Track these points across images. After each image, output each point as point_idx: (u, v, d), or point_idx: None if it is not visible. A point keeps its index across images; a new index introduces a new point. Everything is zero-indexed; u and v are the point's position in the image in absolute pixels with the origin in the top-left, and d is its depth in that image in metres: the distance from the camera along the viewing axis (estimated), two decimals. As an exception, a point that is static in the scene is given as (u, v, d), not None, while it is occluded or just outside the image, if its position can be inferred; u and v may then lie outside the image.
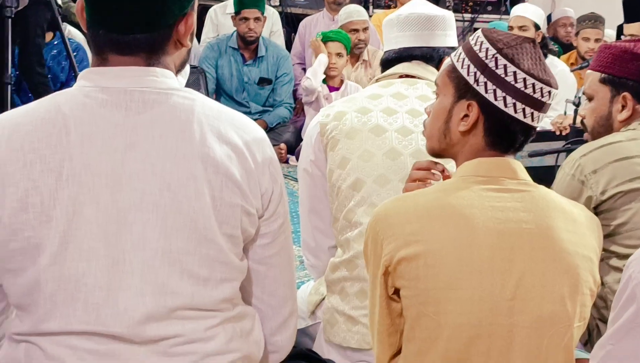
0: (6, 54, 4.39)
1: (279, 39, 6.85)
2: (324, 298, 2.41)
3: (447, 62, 1.76)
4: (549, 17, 7.01)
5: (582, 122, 2.61)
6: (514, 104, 1.65)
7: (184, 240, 1.51)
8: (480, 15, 7.72)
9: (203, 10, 6.90)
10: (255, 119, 5.28)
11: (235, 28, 6.21)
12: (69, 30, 5.72)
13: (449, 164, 2.11)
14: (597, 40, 5.83)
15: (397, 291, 1.66)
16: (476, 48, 1.68)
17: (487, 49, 1.67)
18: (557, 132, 4.30)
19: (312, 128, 2.40)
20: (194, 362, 1.56)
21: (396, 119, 2.30)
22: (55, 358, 1.50)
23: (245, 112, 1.62)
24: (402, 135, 2.27)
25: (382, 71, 2.48)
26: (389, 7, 7.43)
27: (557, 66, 5.45)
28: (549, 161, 3.94)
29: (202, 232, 1.52)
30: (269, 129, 6.02)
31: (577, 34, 6.10)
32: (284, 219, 1.69)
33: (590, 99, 2.50)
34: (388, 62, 2.45)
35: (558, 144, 4.00)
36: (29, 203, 1.47)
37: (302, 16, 7.32)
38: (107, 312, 1.49)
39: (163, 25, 1.54)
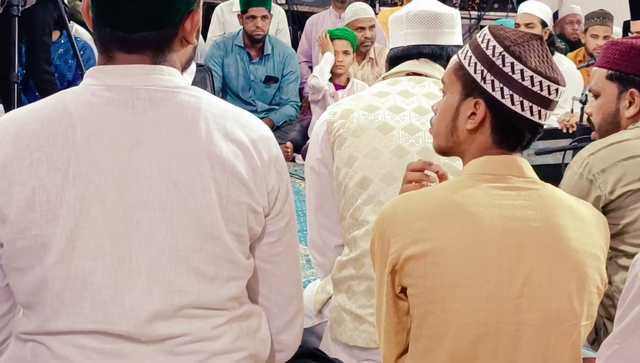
0: (13, 53, 4.40)
1: (285, 37, 6.85)
2: (330, 297, 2.40)
3: (454, 59, 1.75)
4: (555, 14, 6.99)
5: (588, 119, 2.60)
6: (521, 102, 1.65)
7: (191, 237, 1.51)
8: (487, 13, 7.72)
9: (209, 9, 6.91)
10: (261, 118, 5.27)
11: (241, 26, 6.21)
12: (76, 29, 5.73)
13: (456, 162, 2.11)
14: (605, 37, 5.80)
15: (404, 290, 1.66)
16: (483, 46, 1.68)
17: (494, 46, 1.66)
18: (564, 130, 4.29)
19: (319, 126, 2.40)
20: (200, 361, 1.56)
21: (403, 117, 2.29)
22: (62, 358, 1.50)
23: (251, 111, 1.63)
24: (409, 133, 2.27)
25: (389, 68, 2.47)
26: (395, 4, 7.42)
27: (564, 63, 5.44)
28: (555, 159, 3.94)
29: (208, 230, 1.52)
30: (275, 128, 6.02)
31: (585, 31, 6.07)
32: (290, 218, 1.69)
33: (596, 96, 2.49)
34: (396, 59, 2.45)
35: (565, 142, 3.99)
36: (36, 201, 1.47)
37: (308, 14, 7.32)
38: (114, 311, 1.50)
39: (169, 23, 1.54)
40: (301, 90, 6.54)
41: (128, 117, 1.51)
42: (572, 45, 6.71)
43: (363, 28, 6.07)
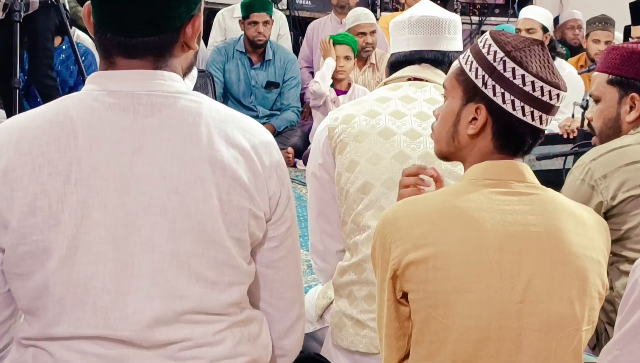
0: (14, 59, 4.41)
1: (287, 43, 6.85)
2: (332, 302, 2.40)
3: (455, 64, 1.76)
4: (556, 20, 7.00)
5: (589, 124, 2.60)
6: (523, 107, 1.65)
7: (192, 242, 1.51)
8: (488, 18, 7.73)
9: (210, 14, 6.91)
10: (263, 123, 5.27)
11: (242, 32, 6.22)
12: (78, 34, 5.74)
13: (457, 167, 2.11)
14: (607, 42, 5.81)
15: (405, 295, 1.66)
16: (484, 51, 1.68)
17: (495, 52, 1.66)
18: (565, 136, 4.29)
19: (321, 132, 2.40)
20: (201, 366, 1.56)
21: (404, 123, 2.29)
22: (64, 363, 1.50)
23: (252, 116, 1.63)
24: (411, 138, 2.27)
25: (390, 73, 2.47)
26: (396, 9, 7.43)
27: (564, 68, 5.45)
28: (556, 164, 3.94)
29: (210, 235, 1.52)
30: (276, 133, 6.02)
31: (587, 36, 6.08)
32: (291, 223, 1.69)
33: (597, 101, 2.49)
34: (398, 64, 2.44)
35: (566, 147, 3.99)
36: (38, 206, 1.47)
37: (309, 19, 7.32)
38: (115, 316, 1.50)
39: (170, 28, 1.54)
40: (302, 95, 6.55)
41: (129, 123, 1.51)
42: (573, 50, 6.71)
43: (364, 33, 6.08)
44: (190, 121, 1.54)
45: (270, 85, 6.31)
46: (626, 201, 2.29)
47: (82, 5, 5.37)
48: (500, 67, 1.65)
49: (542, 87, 1.64)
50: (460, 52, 2.13)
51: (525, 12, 5.82)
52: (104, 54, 1.56)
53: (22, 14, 4.46)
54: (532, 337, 1.61)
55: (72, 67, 5.68)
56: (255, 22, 6.06)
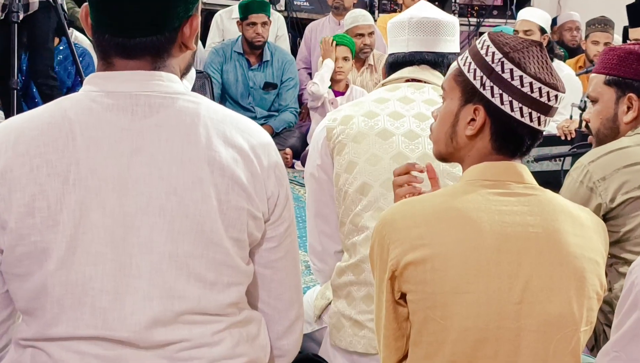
0: (12, 60, 4.40)
1: (284, 44, 6.85)
2: (330, 303, 2.40)
3: (453, 66, 1.76)
4: (554, 21, 7.00)
5: (586, 125, 2.60)
6: (521, 109, 1.65)
7: (191, 243, 1.51)
8: (486, 20, 7.74)
9: (209, 15, 6.91)
10: (260, 124, 5.25)
11: (240, 33, 6.22)
12: (75, 35, 5.74)
13: (456, 168, 2.11)
14: (606, 43, 5.80)
15: (403, 296, 1.66)
16: (483, 52, 1.68)
17: (493, 53, 1.67)
18: (562, 137, 4.29)
19: (319, 133, 2.40)
20: (200, 367, 1.56)
21: (403, 123, 2.29)
22: (62, 363, 1.50)
23: (250, 117, 1.64)
24: (409, 139, 2.27)
25: (388, 73, 2.48)
26: (394, 11, 7.44)
27: (562, 70, 5.45)
28: (555, 165, 3.94)
29: (208, 235, 1.52)
30: (274, 134, 6.02)
31: (586, 37, 6.08)
32: (289, 223, 1.69)
33: (594, 101, 2.49)
34: (397, 64, 2.45)
35: (564, 149, 4.00)
36: (36, 207, 1.47)
37: (307, 21, 7.32)
38: (113, 316, 1.49)
39: (168, 28, 1.54)
40: (300, 96, 6.55)
41: (127, 124, 1.51)
42: (571, 51, 6.72)
43: (362, 35, 6.08)
44: (188, 122, 1.54)
45: (268, 86, 6.31)
46: (625, 203, 2.29)
47: (79, 6, 5.38)
48: (498, 68, 1.65)
49: (540, 89, 1.64)
50: (458, 54, 2.14)
51: (523, 13, 5.82)
52: (102, 55, 1.56)
53: (21, 15, 4.45)
54: (531, 337, 1.61)
55: (69, 67, 5.68)
56: (254, 23, 6.06)
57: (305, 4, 7.58)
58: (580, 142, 3.83)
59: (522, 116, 1.65)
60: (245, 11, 6.05)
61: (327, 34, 6.37)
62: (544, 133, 1.73)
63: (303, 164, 5.02)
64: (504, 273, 1.60)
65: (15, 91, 4.40)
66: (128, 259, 1.49)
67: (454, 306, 1.59)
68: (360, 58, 6.17)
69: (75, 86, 5.61)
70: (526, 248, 1.61)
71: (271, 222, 1.65)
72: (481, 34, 6.91)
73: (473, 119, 1.69)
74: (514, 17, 7.04)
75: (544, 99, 1.65)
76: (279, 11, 7.23)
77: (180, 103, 1.55)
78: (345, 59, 5.78)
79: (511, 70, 1.64)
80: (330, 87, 5.80)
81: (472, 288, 1.59)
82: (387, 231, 1.65)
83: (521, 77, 1.64)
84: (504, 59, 1.65)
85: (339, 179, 2.30)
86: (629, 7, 5.03)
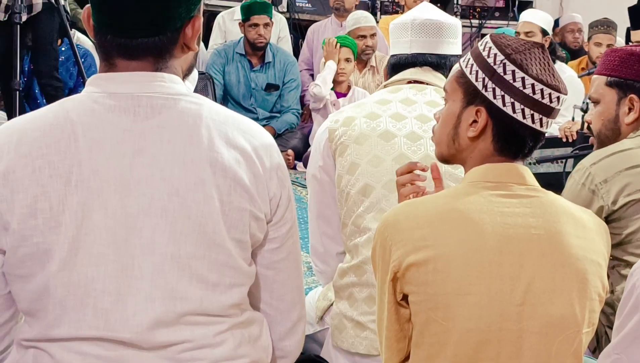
0: (15, 61, 4.40)
1: (287, 45, 6.85)
2: (332, 304, 2.40)
3: (455, 67, 1.76)
4: (556, 23, 7.00)
5: (588, 127, 2.60)
6: (523, 110, 1.65)
7: (193, 244, 1.51)
8: (488, 21, 7.74)
9: (211, 17, 6.92)
10: (262, 125, 5.27)
11: (242, 34, 6.22)
12: (77, 36, 5.75)
13: (457, 170, 2.11)
14: (609, 45, 5.80)
15: (405, 297, 1.66)
16: (485, 54, 1.68)
17: (495, 54, 1.67)
18: (564, 139, 4.29)
19: (321, 134, 2.40)
20: (202, 368, 1.56)
21: (405, 125, 2.29)
22: (64, 364, 1.50)
23: (252, 119, 1.64)
24: (411, 141, 2.27)
25: (391, 74, 2.47)
26: (396, 12, 7.45)
27: (565, 71, 5.45)
28: (556, 167, 3.94)
29: (211, 237, 1.52)
30: (276, 135, 6.02)
31: (589, 39, 6.07)
32: (292, 224, 1.69)
33: (596, 103, 2.50)
34: (400, 66, 2.44)
35: (566, 150, 4.00)
36: (38, 208, 1.47)
37: (309, 22, 7.33)
38: (116, 317, 1.50)
39: (170, 29, 1.54)
40: (302, 98, 6.55)
41: (130, 125, 1.51)
42: (573, 53, 6.72)
43: (364, 36, 6.08)
44: (190, 123, 1.54)
45: (270, 87, 6.31)
46: (627, 206, 2.29)
47: (82, 8, 5.38)
48: (500, 70, 1.65)
49: (542, 90, 1.64)
50: (460, 57, 2.14)
51: (525, 15, 5.82)
52: (104, 56, 1.56)
53: (24, 16, 4.46)
54: (533, 339, 1.61)
55: (71, 68, 5.68)
56: (256, 25, 6.06)
57: (307, 5, 7.59)
58: (582, 144, 3.83)
59: (524, 117, 1.65)
60: (247, 12, 6.05)
61: (329, 35, 6.37)
62: (546, 135, 1.73)
63: (305, 166, 5.02)
64: (506, 274, 1.60)
65: (17, 92, 4.41)
66: (130, 260, 1.49)
67: (456, 308, 1.59)
68: (362, 59, 6.17)
69: (77, 86, 5.62)
70: (528, 250, 1.61)
71: (273, 223, 1.65)
72: (483, 35, 6.90)
73: (475, 121, 1.69)
74: (516, 18, 7.05)
75: (546, 100, 1.65)
76: (281, 12, 7.24)
77: (182, 104, 1.55)
78: (347, 60, 5.79)
79: (513, 71, 1.64)
80: (332, 88, 5.79)
81: (474, 289, 1.59)
82: (389, 233, 1.65)
83: (523, 78, 1.64)
84: (506, 61, 1.65)
85: (341, 181, 2.30)
86: (631, 10, 5.03)
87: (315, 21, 7.17)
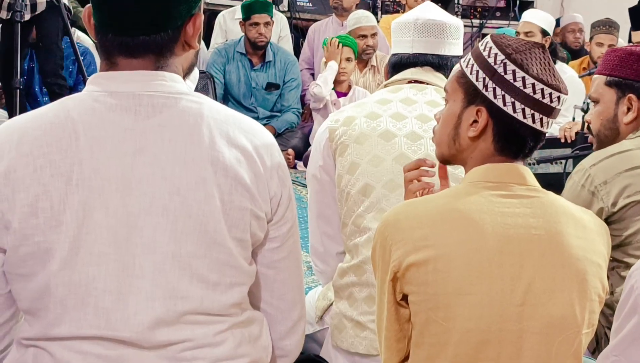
0: (15, 59, 4.40)
1: (287, 45, 6.86)
2: (332, 304, 2.40)
3: (456, 67, 1.76)
4: (557, 22, 6.99)
5: (588, 127, 2.60)
6: (523, 110, 1.65)
7: (194, 243, 1.52)
8: (489, 21, 7.74)
9: (212, 16, 6.92)
10: (263, 125, 5.26)
11: (242, 33, 6.22)
12: (78, 35, 5.75)
13: (458, 170, 2.11)
14: (610, 45, 5.80)
15: (405, 297, 1.66)
16: (485, 54, 1.68)
17: (495, 54, 1.67)
18: (562, 140, 4.28)
19: (321, 134, 2.40)
20: (202, 367, 1.56)
21: (405, 125, 2.29)
22: (64, 363, 1.50)
23: (253, 118, 1.64)
24: (412, 140, 2.27)
25: (391, 73, 2.47)
26: (397, 11, 7.44)
27: (565, 72, 5.45)
28: (557, 168, 3.94)
29: (211, 236, 1.52)
30: (276, 135, 6.02)
31: (590, 39, 6.07)
32: (292, 224, 1.70)
33: (596, 102, 2.50)
34: (400, 65, 2.44)
35: (567, 151, 4.00)
36: (39, 207, 1.47)
37: (310, 22, 7.33)
38: (116, 317, 1.50)
39: (171, 27, 1.54)
40: (303, 97, 6.55)
41: (131, 124, 1.51)
42: (574, 53, 6.71)
43: (365, 36, 6.08)
44: (191, 122, 1.54)
45: (270, 86, 6.31)
46: (627, 207, 2.28)
47: (82, 6, 5.39)
48: (500, 70, 1.65)
49: (542, 90, 1.64)
50: (461, 57, 2.14)
51: (526, 15, 5.82)
52: (105, 55, 1.56)
53: (27, 15, 4.46)
54: (533, 339, 1.61)
55: (71, 67, 5.69)
56: (256, 24, 6.06)
57: (308, 4, 7.58)
58: (582, 144, 3.83)
59: (524, 117, 1.65)
60: (248, 11, 6.06)
61: (330, 34, 6.37)
62: (547, 135, 1.73)
63: (305, 165, 5.02)
64: (507, 275, 1.60)
65: (18, 91, 4.40)
66: (131, 259, 1.50)
67: (457, 308, 1.59)
68: (362, 59, 6.17)
69: (77, 85, 5.62)
70: (528, 250, 1.61)
71: (274, 222, 1.65)
72: (484, 35, 6.91)
73: (475, 121, 1.69)
74: (517, 18, 7.05)
75: (547, 100, 1.65)
76: (282, 12, 7.24)
77: (183, 103, 1.55)
78: (348, 60, 5.79)
79: (514, 71, 1.64)
80: (332, 88, 5.80)
81: (475, 289, 1.59)
82: (389, 232, 1.65)
83: (523, 78, 1.64)
84: (506, 61, 1.65)
85: (341, 181, 2.30)
86: (631, 10, 5.03)
87: (316, 20, 7.17)
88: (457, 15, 7.27)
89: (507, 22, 7.64)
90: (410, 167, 1.91)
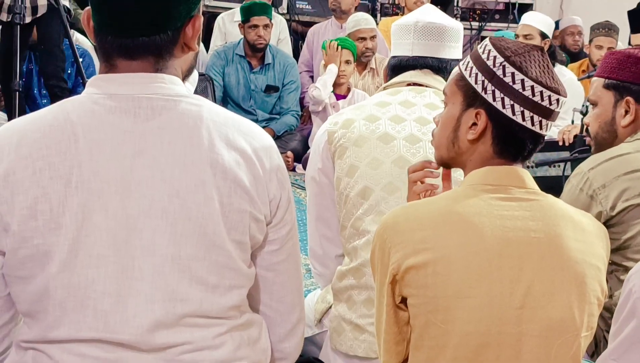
0: (15, 62, 4.40)
1: (286, 47, 6.86)
2: (330, 307, 2.40)
3: (455, 70, 1.76)
4: (556, 25, 7.00)
5: (586, 130, 2.60)
6: (522, 112, 1.65)
7: (193, 246, 1.51)
8: (488, 24, 7.74)
9: (211, 18, 6.92)
10: (262, 127, 5.26)
11: (241, 36, 6.22)
12: (77, 37, 5.74)
13: (457, 173, 2.11)
14: (610, 48, 5.81)
15: (404, 300, 1.66)
16: (484, 56, 1.68)
17: (495, 57, 1.67)
18: (560, 143, 4.28)
19: (320, 136, 2.40)
20: (201, 370, 1.56)
21: (404, 127, 2.29)
22: (63, 366, 1.50)
23: (252, 120, 1.64)
24: (410, 143, 2.27)
25: (390, 75, 2.47)
26: (396, 14, 7.44)
27: (564, 74, 5.45)
28: (556, 171, 3.94)
29: (211, 238, 1.52)
30: (276, 137, 6.02)
31: (590, 42, 6.08)
32: (291, 226, 1.69)
33: (594, 105, 2.50)
34: (399, 68, 2.44)
35: (566, 154, 4.00)
36: (38, 210, 1.47)
37: (309, 24, 7.33)
38: (115, 319, 1.50)
39: (171, 28, 1.54)
40: (302, 99, 6.55)
41: (130, 126, 1.51)
42: (573, 56, 6.72)
43: (364, 38, 6.08)
44: (191, 124, 1.54)
45: (269, 89, 6.31)
46: (626, 211, 2.28)
47: (82, 8, 5.38)
48: (499, 72, 1.65)
49: (541, 92, 1.64)
50: (460, 61, 2.14)
51: (525, 18, 5.82)
52: (105, 57, 1.56)
53: (28, 18, 4.46)
54: (532, 342, 1.61)
55: (69, 69, 5.68)
56: (256, 26, 6.06)
57: (307, 7, 7.59)
58: (581, 147, 3.83)
59: (523, 119, 1.65)
60: (247, 14, 6.06)
61: (330, 37, 6.36)
62: (546, 138, 1.73)
63: (304, 168, 5.01)
64: (506, 277, 1.60)
65: (17, 93, 4.40)
66: (130, 262, 1.49)
67: (456, 311, 1.59)
68: (362, 62, 6.17)
69: (76, 87, 5.61)
70: (528, 253, 1.61)
71: (273, 225, 1.65)
72: (483, 38, 6.92)
73: (475, 124, 1.69)
74: (516, 21, 7.05)
75: (546, 103, 1.65)
76: (281, 14, 7.24)
77: (182, 106, 1.55)
78: (347, 62, 5.79)
79: (512, 74, 1.64)
80: (332, 90, 5.79)
81: (474, 292, 1.59)
82: (388, 235, 1.65)
83: (522, 81, 1.64)
84: (505, 63, 1.65)
85: (340, 183, 2.30)
86: (630, 13, 5.04)
87: (315, 23, 7.17)
88: (457, 18, 7.27)
89: (506, 24, 7.65)
90: (415, 168, 1.91)
